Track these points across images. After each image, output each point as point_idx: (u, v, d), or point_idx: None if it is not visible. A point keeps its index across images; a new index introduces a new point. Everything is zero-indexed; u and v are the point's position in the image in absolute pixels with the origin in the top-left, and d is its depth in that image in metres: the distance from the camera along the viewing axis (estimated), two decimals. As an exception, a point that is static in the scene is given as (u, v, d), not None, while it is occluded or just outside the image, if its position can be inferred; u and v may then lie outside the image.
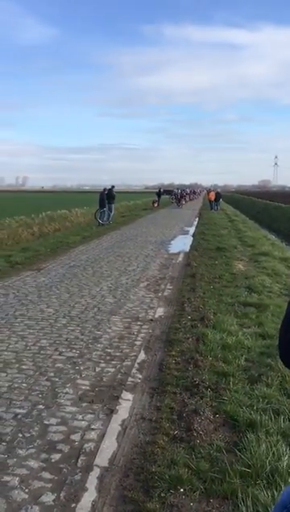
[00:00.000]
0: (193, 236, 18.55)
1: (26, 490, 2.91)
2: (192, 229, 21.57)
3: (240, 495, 2.78)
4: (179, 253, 13.58)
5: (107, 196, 23.21)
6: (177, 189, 49.74)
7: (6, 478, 3.02)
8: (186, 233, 20.25)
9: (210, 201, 41.00)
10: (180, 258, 12.64)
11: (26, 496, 2.86)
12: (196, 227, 22.76)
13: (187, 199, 55.93)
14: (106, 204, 23.08)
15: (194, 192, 75.10)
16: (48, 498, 2.84)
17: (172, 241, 16.89)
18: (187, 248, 14.80)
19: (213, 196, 40.80)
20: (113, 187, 24.55)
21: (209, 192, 52.45)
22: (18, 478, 3.03)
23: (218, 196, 41.21)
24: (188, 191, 66.19)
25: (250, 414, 3.77)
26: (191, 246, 15.11)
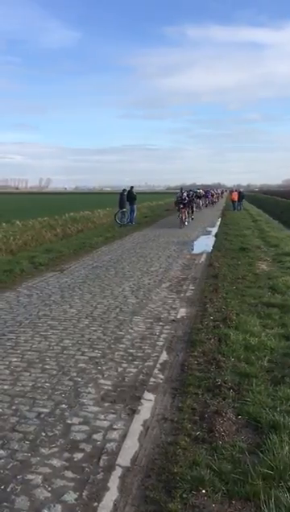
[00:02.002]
0: (216, 236, 18.45)
1: (49, 489, 2.95)
2: (214, 230, 21.45)
3: (262, 497, 2.76)
4: (201, 254, 13.52)
5: (127, 197, 23.23)
6: (182, 191, 25.01)
7: (30, 476, 3.06)
8: (209, 233, 20.16)
9: (233, 201, 40.69)
10: (203, 259, 12.59)
11: (49, 494, 2.89)
12: (219, 227, 22.62)
13: (201, 203, 38.96)
14: (127, 205, 23.12)
15: (212, 195, 49.95)
16: (70, 497, 2.87)
17: (195, 242, 16.84)
18: (209, 248, 14.73)
19: (235, 195, 40.51)
20: (132, 187, 24.51)
21: (231, 191, 49.67)
22: (41, 476, 3.06)
23: (241, 195, 40.89)
24: (202, 192, 42.95)
25: (273, 415, 3.73)
26: (213, 247, 15.03)
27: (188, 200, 24.38)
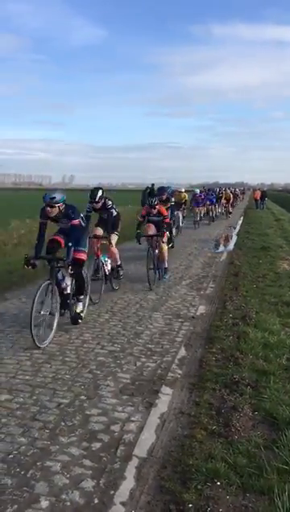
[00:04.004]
0: (238, 235, 18.36)
1: (68, 476, 3.03)
2: (236, 228, 21.33)
3: (276, 491, 2.79)
4: (222, 252, 13.49)
5: (149, 195, 23.23)
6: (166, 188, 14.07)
7: (49, 463, 3.15)
8: (230, 232, 20.06)
9: (256, 200, 40.36)
10: (224, 257, 12.57)
11: (68, 481, 2.97)
12: (241, 226, 22.50)
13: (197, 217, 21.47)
14: None
15: (222, 198, 27.77)
16: (88, 484, 2.95)
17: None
18: (231, 246, 14.68)
19: (258, 194, 40.17)
20: (153, 185, 24.50)
21: (254, 190, 48.65)
22: (59, 464, 3.15)
23: (264, 194, 40.53)
24: (202, 195, 23.51)
25: (290, 412, 3.75)
26: (235, 245, 14.97)
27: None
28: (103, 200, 7.70)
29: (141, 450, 3.35)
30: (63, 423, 3.68)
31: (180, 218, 18.03)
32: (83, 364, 4.92)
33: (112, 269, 8.17)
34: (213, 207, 25.24)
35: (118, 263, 8.30)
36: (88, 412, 3.88)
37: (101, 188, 7.81)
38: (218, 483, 2.94)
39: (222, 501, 2.77)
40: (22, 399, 4.07)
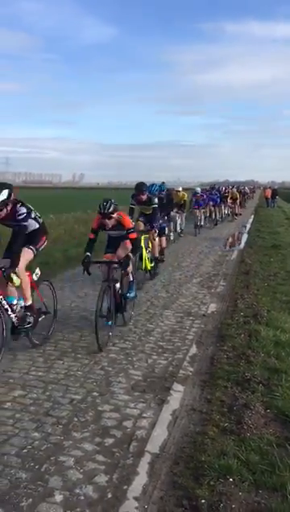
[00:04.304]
0: (248, 233, 18.28)
1: (81, 470, 3.06)
2: (247, 227, 21.24)
3: (289, 488, 2.80)
4: (233, 250, 13.46)
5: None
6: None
7: (62, 458, 3.18)
8: (241, 230, 19.98)
9: (266, 198, 40.16)
10: (234, 255, 12.54)
11: (81, 476, 3.01)
12: (252, 224, 22.40)
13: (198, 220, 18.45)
14: None
15: (227, 197, 24.59)
16: (102, 479, 2.98)
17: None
18: (241, 245, 14.63)
19: (269, 193, 39.96)
20: (163, 183, 24.48)
21: (265, 189, 48.10)
22: (73, 459, 3.18)
23: (275, 193, 40.31)
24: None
25: (303, 410, 3.75)
26: (246, 243, 14.92)
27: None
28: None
29: (153, 446, 3.38)
30: (76, 419, 3.72)
31: (178, 222, 16.04)
32: (95, 361, 4.95)
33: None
34: (217, 208, 22.11)
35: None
36: (100, 408, 3.91)
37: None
38: (231, 479, 2.95)
39: (235, 497, 2.78)
40: (35, 395, 4.11)
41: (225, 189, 26.23)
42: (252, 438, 3.44)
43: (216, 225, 21.44)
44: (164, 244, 10.85)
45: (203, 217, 19.75)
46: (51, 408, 3.89)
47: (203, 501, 2.75)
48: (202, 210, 19.40)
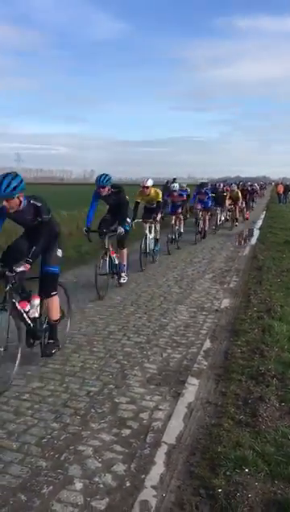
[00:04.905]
0: (260, 229, 18.26)
1: (100, 460, 3.13)
2: (259, 223, 21.20)
3: (305, 479, 2.84)
4: (245, 246, 13.46)
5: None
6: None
7: (81, 448, 3.26)
8: (252, 226, 19.95)
9: (278, 194, 39.94)
10: (247, 251, 12.54)
11: (100, 465, 3.08)
12: (264, 220, 22.34)
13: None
14: None
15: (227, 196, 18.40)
16: (120, 468, 3.05)
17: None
18: (253, 241, 14.63)
19: (281, 188, 39.71)
20: (174, 179, 24.50)
21: (276, 184, 47.63)
22: (91, 448, 3.25)
23: (287, 188, 40.06)
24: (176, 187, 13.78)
25: (317, 404, 3.78)
26: (258, 239, 14.91)
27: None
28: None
29: (169, 437, 3.44)
30: (93, 410, 3.79)
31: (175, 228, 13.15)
32: (110, 354, 5.02)
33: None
34: (205, 212, 15.15)
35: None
36: (116, 400, 3.98)
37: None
38: (246, 470, 3.00)
39: (251, 486, 2.82)
40: (52, 387, 4.19)
41: (224, 187, 20.23)
42: (267, 430, 3.48)
43: (204, 237, 14.87)
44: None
45: (176, 228, 13.17)
46: (68, 399, 3.96)
47: (219, 490, 2.80)
48: (173, 217, 12.90)
